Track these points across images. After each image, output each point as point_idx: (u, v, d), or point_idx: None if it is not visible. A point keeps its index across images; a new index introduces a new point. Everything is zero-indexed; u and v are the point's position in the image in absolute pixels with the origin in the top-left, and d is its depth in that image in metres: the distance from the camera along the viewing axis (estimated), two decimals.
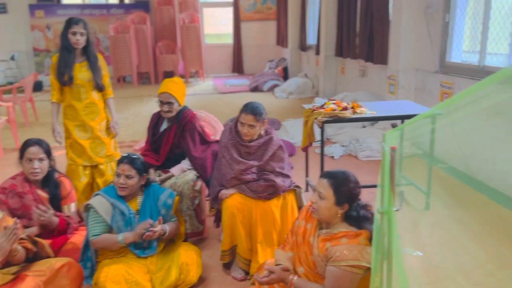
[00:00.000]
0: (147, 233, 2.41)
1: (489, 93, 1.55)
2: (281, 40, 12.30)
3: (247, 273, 2.72)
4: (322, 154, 3.42)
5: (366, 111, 3.45)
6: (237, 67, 13.28)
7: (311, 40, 10.18)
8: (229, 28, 13.40)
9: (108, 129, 3.53)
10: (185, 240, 2.83)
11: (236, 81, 11.59)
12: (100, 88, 3.40)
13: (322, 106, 3.48)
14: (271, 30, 13.17)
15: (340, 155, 5.04)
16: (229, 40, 13.44)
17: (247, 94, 9.80)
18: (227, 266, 2.81)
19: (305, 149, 3.78)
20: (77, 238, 2.78)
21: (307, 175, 4.01)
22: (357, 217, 1.93)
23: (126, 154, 2.62)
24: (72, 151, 3.45)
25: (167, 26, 12.01)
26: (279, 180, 2.69)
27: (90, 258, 2.64)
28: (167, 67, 11.60)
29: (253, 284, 2.45)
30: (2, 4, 12.02)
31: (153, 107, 3.15)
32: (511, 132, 3.38)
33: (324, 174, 1.98)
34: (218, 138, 3.41)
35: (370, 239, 1.88)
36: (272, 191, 2.68)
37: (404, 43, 5.15)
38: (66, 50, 3.29)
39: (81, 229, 2.90)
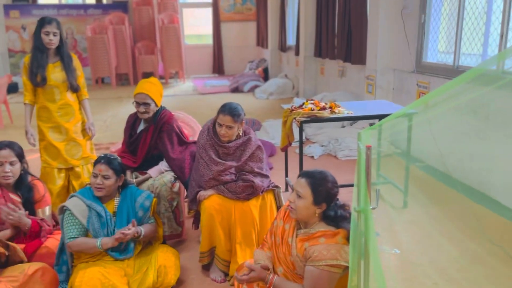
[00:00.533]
0: (119, 236, 2.36)
1: (461, 91, 1.58)
2: (261, 41, 12.32)
3: (226, 274, 2.70)
4: (301, 154, 3.43)
5: (344, 111, 3.47)
6: (218, 68, 13.25)
7: (290, 41, 10.23)
8: (209, 29, 13.36)
9: (83, 130, 3.46)
10: (163, 243, 2.79)
11: (216, 82, 11.56)
12: (74, 89, 3.34)
13: (300, 106, 3.49)
14: (251, 31, 13.18)
15: (320, 154, 5.06)
16: (209, 41, 13.40)
17: (228, 95, 9.78)
18: (206, 268, 2.79)
19: (284, 149, 3.78)
20: (52, 242, 2.71)
21: (286, 175, 4.01)
22: (335, 216, 1.93)
23: (103, 155, 2.57)
24: (47, 154, 3.37)
25: (146, 26, 11.90)
26: (257, 180, 2.68)
27: (66, 261, 2.58)
28: (147, 68, 11.48)
29: (232, 285, 2.44)
30: None
31: (132, 108, 3.10)
32: (483, 129, 3.46)
33: (302, 174, 1.98)
34: (196, 138, 3.39)
35: (348, 238, 1.88)
36: (251, 192, 2.67)
37: (381, 44, 5.21)
38: (39, 50, 3.21)
39: (56, 233, 2.83)
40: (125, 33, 11.11)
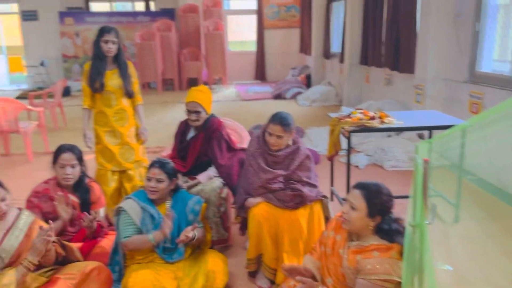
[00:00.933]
0: (181, 238, 2.44)
1: None
2: (305, 47, 12.30)
3: (272, 282, 2.71)
4: (348, 164, 3.40)
5: (393, 121, 3.42)
6: (260, 75, 13.34)
7: (335, 48, 10.16)
8: (252, 36, 13.50)
9: (137, 135, 3.59)
10: (211, 248, 2.85)
11: (259, 88, 11.64)
12: (129, 95, 3.47)
13: (348, 115, 3.47)
14: (295, 38, 13.20)
15: (365, 164, 4.99)
16: (252, 48, 13.53)
17: (270, 102, 9.82)
18: (252, 275, 2.81)
19: (330, 158, 3.76)
20: (106, 242, 2.83)
21: (332, 184, 3.98)
22: (389, 230, 1.91)
23: (157, 159, 2.67)
24: (102, 157, 3.51)
25: (192, 33, 12.17)
26: (306, 190, 2.68)
27: (118, 262, 2.68)
28: (191, 74, 11.74)
29: None
30: (33, 11, 12.43)
31: (177, 113, 3.20)
32: None
33: (357, 185, 1.97)
34: (244, 145, 3.43)
35: (401, 254, 1.85)
36: (299, 201, 2.68)
37: (432, 52, 5.08)
38: (98, 58, 3.37)
39: (109, 233, 2.95)
40: (172, 39, 11.42)
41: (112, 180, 3.54)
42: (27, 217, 2.27)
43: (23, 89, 11.95)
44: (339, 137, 3.46)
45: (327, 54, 10.26)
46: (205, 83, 11.99)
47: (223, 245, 3.16)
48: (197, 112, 3.08)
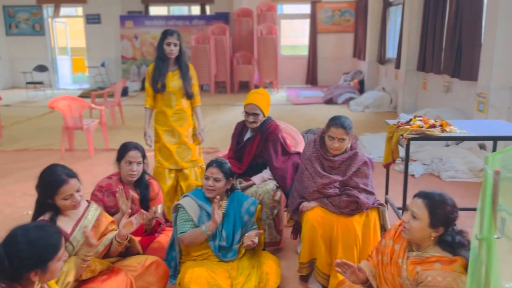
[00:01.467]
0: (248, 243, 2.51)
1: None
2: (358, 52, 12.11)
3: (324, 287, 2.69)
4: (406, 172, 3.31)
5: (455, 129, 3.29)
6: (311, 79, 13.28)
7: (390, 53, 9.93)
8: (304, 40, 13.47)
9: (194, 135, 3.69)
10: (263, 249, 2.87)
11: (309, 92, 11.59)
12: (189, 96, 3.57)
13: (407, 122, 3.37)
14: (348, 42, 13.03)
15: (421, 173, 4.83)
16: (304, 52, 13.50)
17: (321, 106, 9.75)
18: (304, 279, 2.80)
19: (386, 166, 3.68)
20: (163, 238, 2.93)
21: (387, 193, 3.89)
22: (452, 242, 1.84)
23: (215, 159, 2.73)
24: (160, 155, 3.64)
25: (245, 37, 12.34)
26: (362, 197, 2.64)
27: (175, 257, 2.77)
28: (243, 77, 11.89)
29: None
30: (96, 15, 13.11)
31: (229, 115, 3.26)
32: None
33: (420, 194, 1.92)
34: (298, 149, 3.44)
35: (465, 267, 1.78)
36: (355, 207, 2.64)
37: (498, 59, 4.84)
38: (161, 60, 3.50)
39: (166, 229, 3.06)
40: (225, 43, 11.62)
41: (169, 178, 3.66)
42: (95, 209, 2.40)
43: (85, 88, 12.61)
44: (397, 144, 3.37)
45: (382, 59, 10.05)
46: (256, 87, 12.11)
47: (275, 248, 3.18)
48: (255, 115, 3.12)
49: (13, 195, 4.39)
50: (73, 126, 5.70)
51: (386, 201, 3.86)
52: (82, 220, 2.31)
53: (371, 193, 2.71)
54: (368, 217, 2.67)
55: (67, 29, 14.66)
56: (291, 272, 2.90)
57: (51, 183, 2.18)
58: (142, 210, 2.53)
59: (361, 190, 2.68)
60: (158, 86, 3.51)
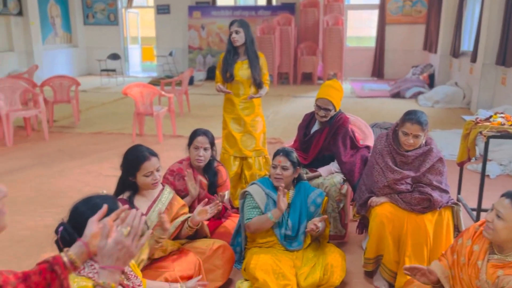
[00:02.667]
0: (311, 227, 2.51)
1: None
2: (429, 45, 11.54)
3: (391, 285, 2.62)
4: (483, 172, 3.12)
5: None
6: (377, 72, 12.86)
7: (465, 46, 9.37)
8: (371, 31, 13.06)
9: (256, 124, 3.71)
10: (328, 242, 2.85)
11: (375, 85, 11.25)
12: (258, 85, 3.60)
13: (487, 119, 3.18)
14: (419, 34, 12.44)
15: (497, 174, 4.54)
16: (370, 43, 13.09)
17: (387, 100, 9.43)
18: (369, 275, 2.75)
19: (461, 164, 3.50)
20: (229, 223, 3.00)
21: (459, 192, 3.70)
22: None
23: (282, 148, 2.74)
24: (226, 142, 3.72)
25: (311, 28, 12.18)
26: (436, 195, 2.53)
27: (240, 243, 2.82)
28: (307, 69, 11.77)
29: None
30: (166, 5, 13.53)
31: (292, 107, 3.24)
32: None
33: (507, 194, 1.80)
34: (367, 143, 3.35)
35: None
36: (427, 205, 2.54)
37: None
38: (229, 50, 3.57)
39: (233, 215, 3.13)
40: (290, 34, 11.55)
41: (234, 165, 3.72)
42: (168, 193, 2.50)
43: (153, 77, 13.11)
44: (474, 142, 3.19)
45: (455, 52, 9.50)
46: (319, 79, 11.95)
47: (339, 241, 3.14)
48: (327, 110, 3.06)
49: (89, 174, 4.69)
50: (143, 112, 5.96)
51: (459, 201, 3.67)
52: (157, 202, 2.42)
53: (445, 191, 2.59)
54: (440, 216, 2.55)
55: (138, 19, 15.31)
56: (355, 267, 2.86)
57: (135, 160, 2.31)
58: (217, 201, 2.60)
59: (435, 188, 2.57)
60: (227, 76, 3.57)
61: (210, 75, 12.42)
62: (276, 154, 2.72)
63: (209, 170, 3.01)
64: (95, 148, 5.70)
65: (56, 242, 1.53)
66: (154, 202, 2.41)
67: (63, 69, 12.70)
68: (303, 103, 8.66)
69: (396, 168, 2.62)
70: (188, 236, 2.62)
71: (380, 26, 12.60)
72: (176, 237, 2.53)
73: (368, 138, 3.47)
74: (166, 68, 13.53)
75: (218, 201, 2.59)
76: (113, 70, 12.29)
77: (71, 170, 4.83)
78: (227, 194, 3.13)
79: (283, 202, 2.54)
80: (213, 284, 2.52)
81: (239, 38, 3.51)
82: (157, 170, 2.35)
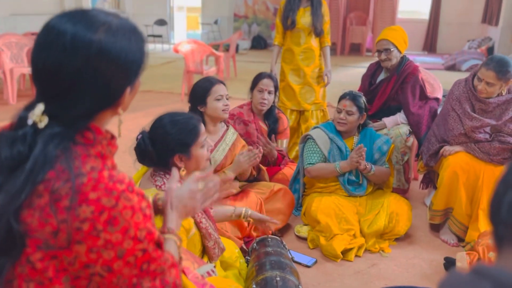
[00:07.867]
0: (356, 159, 2.39)
1: None
2: (489, 17, 10.85)
3: (460, 239, 2.48)
4: None
5: None
6: (429, 45, 12.26)
7: None
8: (423, 4, 12.42)
9: (319, 77, 3.57)
10: None
11: (427, 59, 10.75)
12: (318, 33, 3.45)
13: None
14: (478, 6, 11.70)
15: None
16: (423, 16, 12.46)
17: (440, 73, 8.95)
18: (435, 228, 2.61)
19: None
20: (287, 171, 2.92)
21: None
22: None
23: (349, 91, 2.60)
24: (284, 94, 3.60)
25: None
26: None
27: (298, 190, 2.74)
28: (355, 39, 11.38)
29: (469, 250, 2.21)
30: None
31: (339, 76, 3.11)
32: None
33: None
34: (435, 95, 3.16)
35: None
36: (508, 156, 2.36)
37: None
38: None
39: (290, 164, 3.05)
40: (340, 2, 11.14)
41: (290, 119, 3.61)
42: (232, 134, 2.45)
43: None
44: None
45: None
46: (368, 50, 11.54)
47: (401, 195, 3.00)
48: (387, 50, 2.88)
49: (141, 126, 4.72)
50: (193, 70, 5.92)
51: None
52: (221, 142, 2.37)
53: None
54: None
55: None
56: (419, 221, 2.72)
57: (207, 83, 2.31)
58: (255, 150, 2.32)
59: None
60: (288, 22, 3.43)
61: (255, 44, 12.26)
62: (342, 97, 2.58)
63: (270, 116, 2.92)
64: (147, 104, 5.74)
65: (135, 148, 1.55)
66: (218, 141, 2.37)
67: None
68: (351, 72, 8.38)
69: (475, 115, 2.44)
70: (249, 181, 2.58)
71: None
72: (235, 178, 2.48)
73: (436, 91, 3.27)
74: (211, 37, 13.44)
75: (256, 150, 2.30)
76: (160, 36, 12.35)
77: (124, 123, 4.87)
78: (285, 142, 3.05)
79: (360, 162, 2.39)
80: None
81: None
82: (227, 98, 2.31)
